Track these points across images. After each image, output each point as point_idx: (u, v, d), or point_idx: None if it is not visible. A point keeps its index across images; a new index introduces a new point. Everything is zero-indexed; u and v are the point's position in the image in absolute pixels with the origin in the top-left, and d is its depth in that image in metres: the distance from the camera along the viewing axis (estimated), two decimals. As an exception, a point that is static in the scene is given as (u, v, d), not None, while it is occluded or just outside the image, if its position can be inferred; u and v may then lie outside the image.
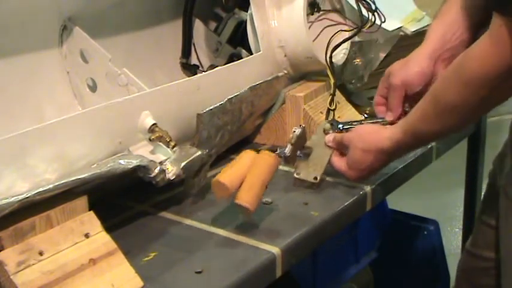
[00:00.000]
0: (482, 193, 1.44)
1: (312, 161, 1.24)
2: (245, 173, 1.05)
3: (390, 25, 1.49)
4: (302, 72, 1.48)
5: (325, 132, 1.25)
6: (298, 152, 1.23)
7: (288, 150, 1.19)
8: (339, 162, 1.21)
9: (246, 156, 1.08)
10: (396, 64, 1.26)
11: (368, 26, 1.38)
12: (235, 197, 1.03)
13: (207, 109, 1.17)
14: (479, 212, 1.40)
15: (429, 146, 1.42)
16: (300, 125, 1.24)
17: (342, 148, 1.21)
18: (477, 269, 1.37)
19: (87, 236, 0.94)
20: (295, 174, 1.24)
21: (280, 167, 1.28)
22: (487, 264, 1.33)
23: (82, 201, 0.96)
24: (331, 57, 1.35)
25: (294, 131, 1.21)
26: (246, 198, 1.03)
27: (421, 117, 1.07)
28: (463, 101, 0.99)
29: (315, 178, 1.22)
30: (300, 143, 1.23)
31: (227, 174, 1.05)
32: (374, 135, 1.15)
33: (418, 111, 1.07)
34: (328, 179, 1.25)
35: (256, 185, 1.04)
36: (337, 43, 1.37)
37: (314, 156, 1.24)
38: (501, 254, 1.23)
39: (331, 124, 1.26)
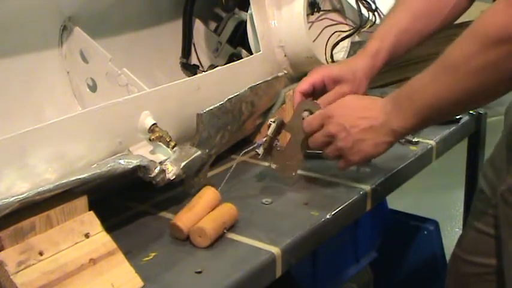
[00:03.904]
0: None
1: (288, 150, 1.18)
2: (203, 214, 1.07)
3: (390, 25, 1.49)
4: (302, 72, 1.47)
5: (304, 114, 1.16)
6: (276, 143, 1.20)
7: (260, 151, 1.18)
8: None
9: (205, 197, 1.09)
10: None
11: (368, 25, 1.38)
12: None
13: (207, 109, 1.17)
14: (469, 217, 1.37)
15: (429, 146, 1.42)
16: (275, 119, 1.19)
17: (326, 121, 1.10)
18: (471, 275, 1.34)
19: (87, 236, 0.94)
20: (272, 166, 1.21)
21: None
22: (481, 270, 1.31)
23: (82, 201, 0.96)
24: (332, 57, 1.35)
25: (270, 124, 1.18)
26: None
27: (420, 75, 1.02)
28: (466, 58, 0.94)
29: (291, 174, 1.20)
30: (277, 135, 1.20)
31: (185, 218, 1.06)
32: (367, 99, 1.11)
33: (421, 73, 1.02)
34: (327, 179, 1.25)
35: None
36: (334, 42, 1.37)
37: (292, 145, 1.18)
38: (504, 264, 1.20)
39: (311, 106, 1.15)
